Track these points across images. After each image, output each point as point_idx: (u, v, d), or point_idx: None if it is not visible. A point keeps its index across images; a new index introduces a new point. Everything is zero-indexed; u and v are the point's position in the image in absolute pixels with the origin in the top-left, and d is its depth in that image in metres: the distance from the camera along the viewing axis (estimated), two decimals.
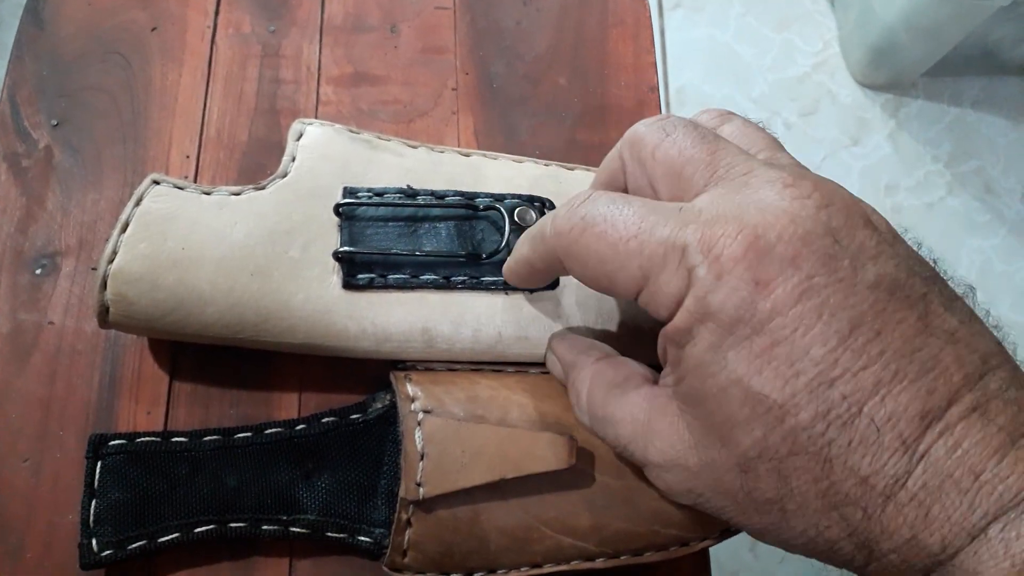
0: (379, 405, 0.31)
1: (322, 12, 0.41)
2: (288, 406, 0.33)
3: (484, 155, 0.35)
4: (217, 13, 0.40)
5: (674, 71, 1.15)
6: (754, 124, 0.27)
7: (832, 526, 0.22)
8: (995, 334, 0.23)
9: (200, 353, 0.33)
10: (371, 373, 0.33)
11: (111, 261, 0.29)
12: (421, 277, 0.31)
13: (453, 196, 0.33)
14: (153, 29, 0.40)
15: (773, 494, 0.22)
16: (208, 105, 0.38)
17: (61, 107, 0.38)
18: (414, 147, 0.34)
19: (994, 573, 0.19)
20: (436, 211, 0.32)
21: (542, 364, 0.32)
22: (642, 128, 0.26)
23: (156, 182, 0.31)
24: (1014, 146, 1.15)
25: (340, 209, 0.32)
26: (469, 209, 0.32)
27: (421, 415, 0.29)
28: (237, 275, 0.30)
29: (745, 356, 0.21)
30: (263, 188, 0.32)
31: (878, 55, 1.10)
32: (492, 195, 0.33)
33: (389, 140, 0.34)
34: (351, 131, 0.34)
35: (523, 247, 0.29)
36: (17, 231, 0.36)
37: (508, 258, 0.31)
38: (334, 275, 0.31)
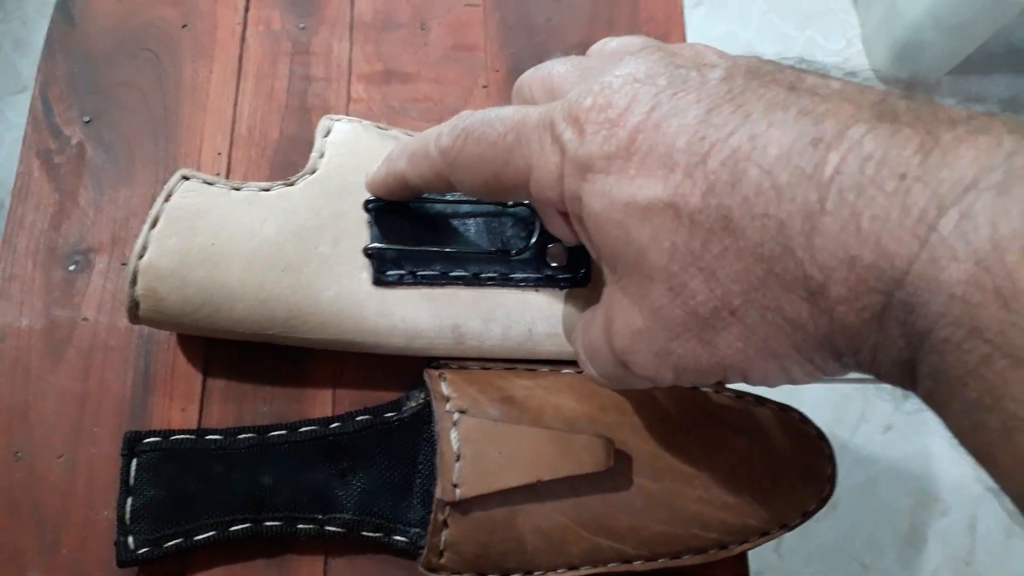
0: (413, 404, 0.31)
1: (352, 9, 0.41)
2: (322, 404, 0.33)
3: None
4: (247, 10, 0.40)
5: None
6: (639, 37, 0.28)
7: (777, 292, 0.20)
8: None
9: (233, 350, 0.33)
10: (405, 370, 0.33)
11: (141, 256, 0.29)
12: (451, 274, 0.31)
13: None
14: (184, 26, 0.40)
15: (715, 299, 0.21)
16: (239, 102, 0.38)
17: (93, 104, 0.38)
18: None
19: (958, 275, 0.17)
20: (465, 208, 0.32)
21: (575, 363, 0.32)
22: (522, 75, 0.28)
23: (185, 177, 0.31)
24: None
25: (370, 206, 0.32)
26: (498, 206, 0.32)
27: (456, 415, 0.28)
28: (267, 271, 0.30)
29: (626, 181, 0.21)
30: (292, 184, 0.32)
31: (902, 53, 1.08)
32: None
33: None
34: (379, 127, 0.34)
35: (399, 162, 0.29)
36: (51, 228, 0.36)
37: (375, 171, 0.31)
38: (364, 271, 0.31)
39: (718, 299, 0.21)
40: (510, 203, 0.32)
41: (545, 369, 0.32)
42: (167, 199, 0.31)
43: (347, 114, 0.38)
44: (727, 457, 0.29)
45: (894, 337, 0.18)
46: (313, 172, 0.32)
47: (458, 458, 0.28)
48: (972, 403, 0.17)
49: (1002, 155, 0.17)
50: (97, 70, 0.39)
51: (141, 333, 0.34)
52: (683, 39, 0.41)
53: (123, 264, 0.35)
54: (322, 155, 0.33)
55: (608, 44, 0.27)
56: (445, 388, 0.30)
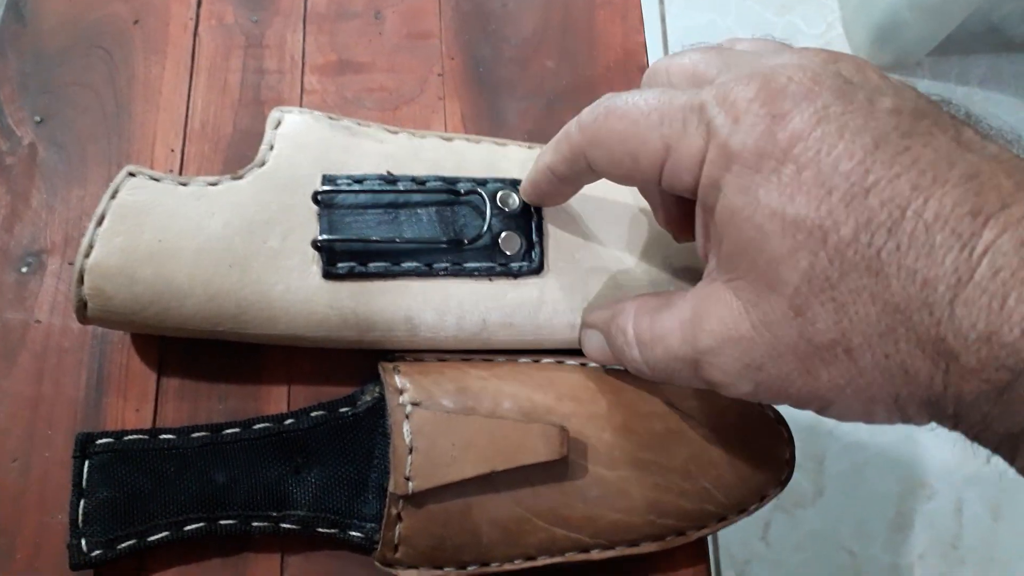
0: (368, 398, 0.30)
1: (306, 0, 0.40)
2: (277, 400, 0.33)
3: (467, 139, 0.34)
4: (200, 5, 0.40)
5: None
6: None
7: (901, 345, 0.20)
8: None
9: (187, 348, 0.33)
10: (361, 365, 0.32)
11: (87, 255, 0.29)
12: (402, 265, 0.31)
13: (434, 181, 0.32)
14: (135, 22, 0.39)
15: (835, 332, 0.21)
16: (192, 97, 0.38)
17: (44, 103, 0.38)
18: (395, 132, 0.33)
19: None
20: (417, 197, 0.32)
21: (532, 352, 0.31)
22: (651, 65, 0.27)
23: (132, 174, 0.30)
24: (1023, 125, 1.13)
25: (319, 197, 0.31)
26: (450, 194, 0.32)
27: (409, 408, 0.28)
28: (215, 267, 0.29)
29: (775, 188, 0.21)
30: (241, 178, 0.31)
31: (882, 35, 1.08)
32: (474, 179, 0.32)
33: (369, 126, 0.34)
34: (331, 118, 0.33)
35: (544, 156, 0.29)
36: (2, 229, 0.35)
37: (527, 174, 0.30)
38: (314, 265, 0.30)
39: (839, 333, 0.21)
40: (463, 191, 0.32)
41: (502, 359, 0.31)
42: (113, 196, 0.30)
43: (301, 106, 0.38)
44: (684, 444, 0.29)
45: (1012, 412, 0.19)
46: (262, 165, 0.32)
47: (411, 451, 0.27)
48: None
49: None
50: (49, 69, 0.38)
51: (95, 334, 0.33)
52: (640, 22, 0.40)
53: (69, 263, 0.34)
54: (272, 148, 0.32)
55: (739, 43, 0.27)
56: (399, 381, 0.29)
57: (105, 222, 0.29)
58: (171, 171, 0.36)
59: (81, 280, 0.29)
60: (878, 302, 0.20)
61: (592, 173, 0.27)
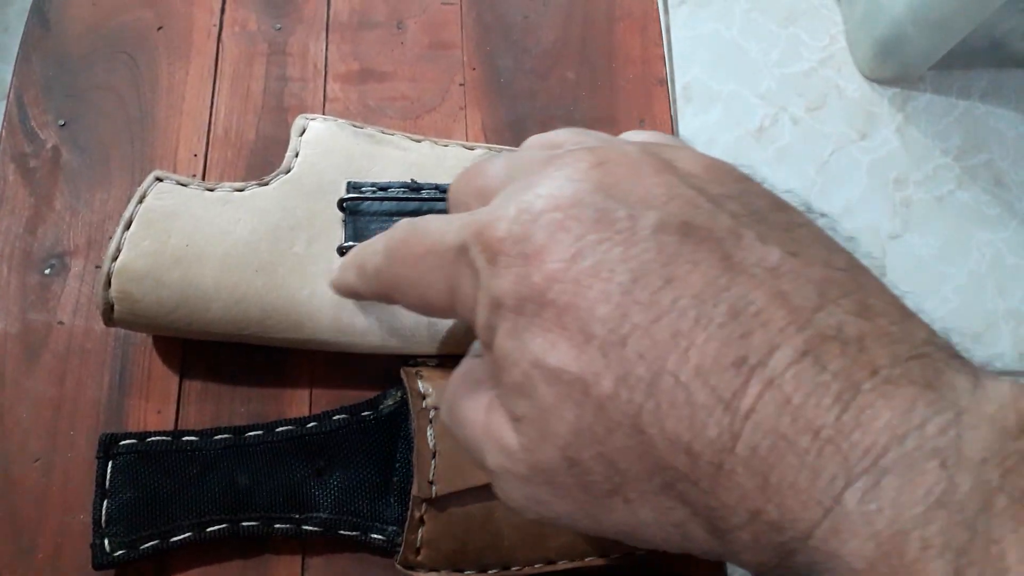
0: (390, 402, 0.31)
1: (328, 9, 0.41)
2: (299, 403, 0.33)
3: (488, 148, 0.34)
4: (223, 11, 0.40)
5: (680, 67, 1.15)
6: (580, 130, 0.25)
7: (675, 507, 0.19)
8: (858, 260, 0.20)
9: (210, 351, 0.33)
10: (382, 368, 0.32)
11: (115, 259, 0.29)
12: None
13: None
14: (159, 28, 0.40)
15: (609, 484, 0.20)
16: (215, 103, 0.38)
17: (68, 107, 0.38)
18: (418, 141, 0.34)
19: (857, 554, 0.16)
20: (440, 205, 0.32)
21: None
22: (456, 176, 0.26)
23: (159, 179, 0.31)
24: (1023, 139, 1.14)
25: (344, 204, 0.32)
26: None
27: (433, 412, 0.28)
28: (241, 272, 0.30)
29: (539, 333, 0.19)
30: (267, 184, 0.32)
31: (885, 49, 1.09)
32: None
33: (393, 135, 0.34)
34: (355, 126, 0.34)
35: (348, 274, 0.28)
36: (26, 231, 0.35)
37: (335, 276, 0.29)
38: None
39: (614, 486, 0.20)
40: None
41: None
42: (141, 201, 0.30)
43: (323, 114, 0.38)
44: None
45: None
46: (288, 172, 0.32)
47: (434, 455, 0.28)
48: None
49: (916, 420, 0.16)
50: (72, 73, 0.39)
51: (117, 336, 0.34)
52: (659, 36, 0.41)
53: (98, 267, 0.35)
54: (297, 154, 0.33)
55: (536, 139, 0.25)
56: (422, 385, 0.30)
57: (133, 226, 0.30)
58: (194, 176, 0.37)
59: (108, 283, 0.29)
60: (647, 461, 0.19)
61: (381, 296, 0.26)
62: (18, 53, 0.39)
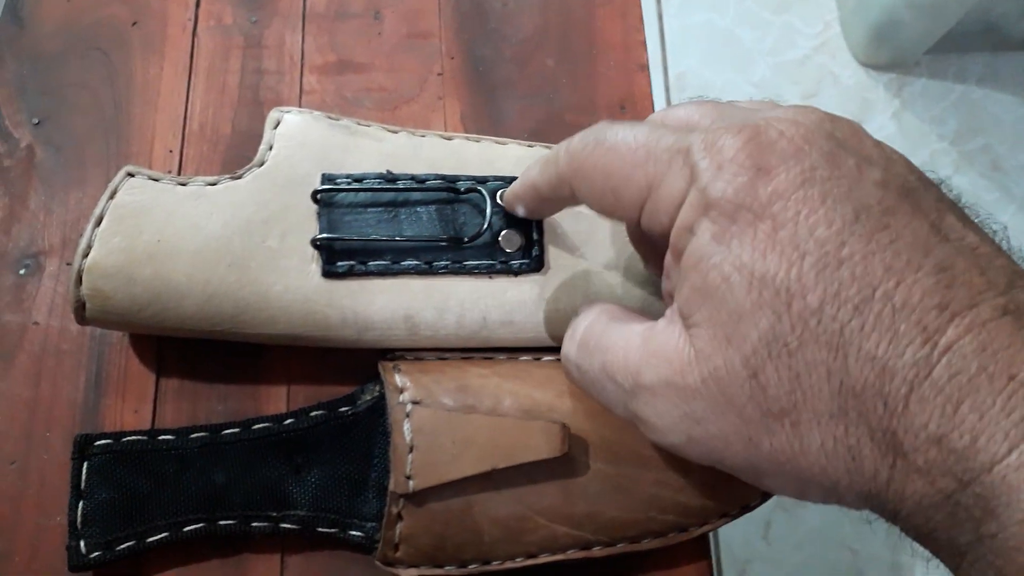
0: (368, 397, 0.30)
1: (304, 0, 0.40)
2: (276, 399, 0.32)
3: (467, 138, 0.34)
4: (198, 6, 0.40)
5: (674, 57, 1.14)
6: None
7: (850, 430, 0.20)
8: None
9: (186, 349, 0.33)
10: (361, 363, 0.32)
11: (86, 256, 0.29)
12: (402, 263, 0.31)
13: (434, 179, 0.32)
14: (134, 24, 0.39)
15: (786, 402, 0.20)
16: (191, 98, 0.38)
17: (43, 105, 0.38)
18: (394, 132, 0.33)
19: None
20: (416, 195, 0.32)
21: (532, 350, 0.31)
22: (648, 118, 0.26)
23: (131, 174, 0.30)
24: (1021, 123, 1.13)
25: (318, 196, 0.31)
26: (450, 192, 0.32)
27: (410, 406, 0.28)
28: (214, 267, 0.29)
29: (749, 241, 0.20)
30: (240, 177, 0.31)
31: (879, 34, 1.08)
32: (474, 177, 0.32)
33: (369, 125, 0.33)
34: (330, 117, 0.33)
35: (532, 171, 0.28)
36: (0, 232, 0.35)
37: (513, 184, 0.30)
38: (313, 264, 0.30)
39: (790, 404, 0.20)
40: (463, 189, 0.32)
41: (502, 357, 0.31)
42: (112, 197, 0.30)
43: (300, 106, 0.38)
44: None
45: (956, 520, 0.19)
46: (261, 164, 0.32)
47: (411, 449, 0.27)
48: None
49: None
50: (47, 71, 0.38)
51: (93, 335, 0.33)
52: (640, 21, 0.40)
53: (70, 264, 0.34)
54: (271, 148, 0.32)
55: (740, 103, 0.26)
56: (399, 379, 0.29)
57: (103, 222, 0.29)
58: (170, 172, 0.36)
59: (79, 280, 0.29)
60: (834, 380, 0.19)
61: (574, 199, 0.27)
62: None
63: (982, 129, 1.12)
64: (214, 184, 0.31)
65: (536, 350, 0.32)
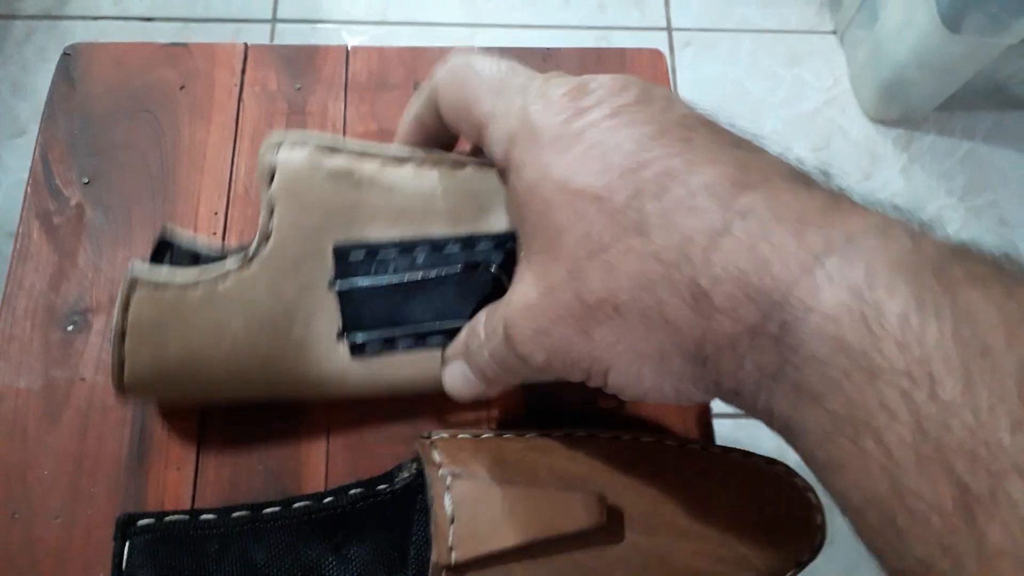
0: (406, 474, 0.31)
1: (346, 70, 0.42)
2: (316, 461, 0.33)
3: (479, 165, 0.31)
4: (244, 71, 0.41)
5: None
6: None
7: (662, 294, 0.22)
8: None
9: (228, 410, 0.34)
10: (398, 424, 0.33)
11: (122, 370, 0.30)
12: (429, 339, 0.31)
13: (452, 245, 0.31)
14: (182, 87, 0.41)
15: (604, 291, 0.23)
16: (236, 161, 0.39)
17: (92, 165, 0.39)
18: (400, 164, 0.30)
19: (833, 298, 0.19)
20: (435, 270, 0.31)
21: (566, 425, 0.32)
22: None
23: (136, 280, 0.29)
24: None
25: (336, 288, 0.30)
26: (470, 261, 0.31)
27: (449, 479, 0.29)
28: (246, 366, 0.30)
29: (565, 164, 0.23)
30: (250, 261, 0.29)
31: (889, 91, 1.10)
32: (493, 236, 0.31)
33: (370, 157, 0.30)
34: (328, 149, 0.30)
35: (412, 103, 0.31)
36: (49, 288, 0.36)
37: (402, 119, 0.31)
38: (342, 346, 0.31)
39: (608, 292, 0.23)
40: (481, 259, 0.31)
41: (534, 434, 0.32)
42: (125, 309, 0.29)
43: None
44: (720, 512, 0.30)
45: (763, 350, 0.21)
46: (267, 239, 0.29)
47: (452, 521, 0.28)
48: (827, 415, 0.19)
49: (881, 222, 0.20)
50: (97, 131, 0.40)
51: None
52: (666, 79, 0.42)
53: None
54: (271, 213, 0.29)
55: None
56: (437, 455, 0.30)
57: (127, 340, 0.29)
58: (214, 234, 0.37)
59: (121, 388, 0.30)
60: (644, 259, 0.22)
61: (442, 121, 0.29)
62: (44, 110, 0.40)
63: (989, 185, 1.14)
64: (224, 278, 0.29)
65: (568, 425, 0.32)
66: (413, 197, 0.30)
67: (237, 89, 0.41)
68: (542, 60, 0.42)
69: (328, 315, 0.31)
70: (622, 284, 0.22)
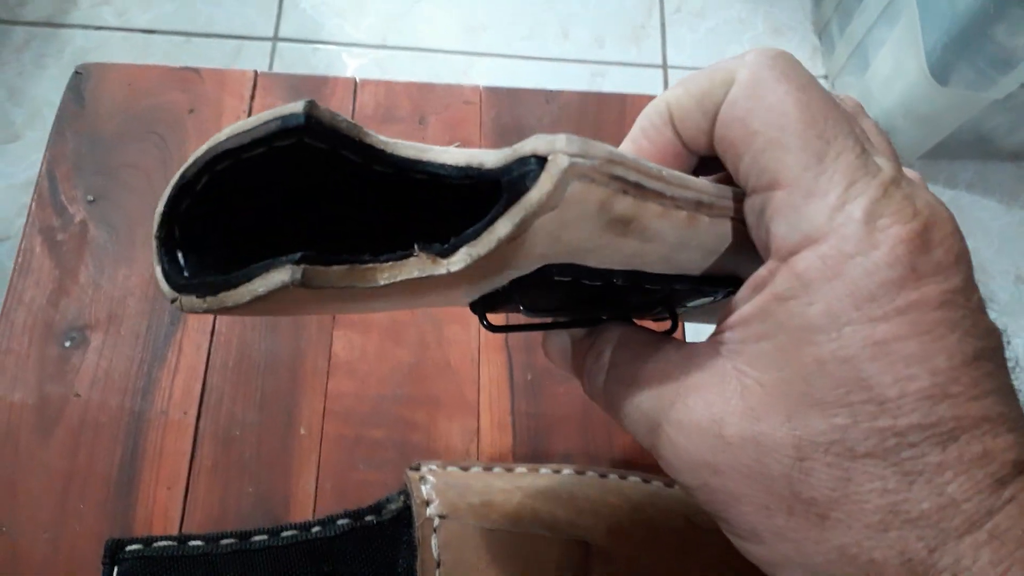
0: (393, 506, 0.31)
1: (354, 102, 0.43)
2: (306, 485, 0.34)
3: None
4: (252, 98, 0.42)
5: None
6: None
7: (882, 549, 0.19)
8: None
9: (220, 433, 0.34)
10: (388, 451, 0.34)
11: None
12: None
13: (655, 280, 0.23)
14: (190, 111, 0.42)
15: (822, 494, 0.19)
16: None
17: (98, 183, 0.39)
18: (679, 209, 0.21)
19: None
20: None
21: (553, 462, 0.33)
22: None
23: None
24: (1007, 229, 1.17)
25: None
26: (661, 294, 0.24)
27: (437, 521, 0.29)
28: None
29: (864, 338, 0.19)
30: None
31: None
32: (694, 279, 0.24)
33: (655, 198, 0.19)
34: (621, 185, 0.18)
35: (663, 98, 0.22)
36: (49, 304, 0.37)
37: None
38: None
39: (825, 500, 0.19)
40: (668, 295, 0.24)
41: (523, 469, 0.33)
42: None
43: None
44: (704, 557, 0.30)
45: None
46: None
47: (438, 565, 0.29)
48: None
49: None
50: (104, 151, 0.40)
51: (131, 411, 0.35)
52: None
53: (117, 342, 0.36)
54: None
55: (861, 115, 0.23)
56: (426, 492, 0.30)
57: None
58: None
59: None
60: (887, 498, 0.19)
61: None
62: (52, 128, 0.41)
63: (969, 234, 1.15)
64: None
65: (556, 462, 0.33)
66: (663, 247, 0.22)
67: (245, 115, 0.42)
68: (545, 102, 0.44)
69: None
70: (847, 504, 0.19)
